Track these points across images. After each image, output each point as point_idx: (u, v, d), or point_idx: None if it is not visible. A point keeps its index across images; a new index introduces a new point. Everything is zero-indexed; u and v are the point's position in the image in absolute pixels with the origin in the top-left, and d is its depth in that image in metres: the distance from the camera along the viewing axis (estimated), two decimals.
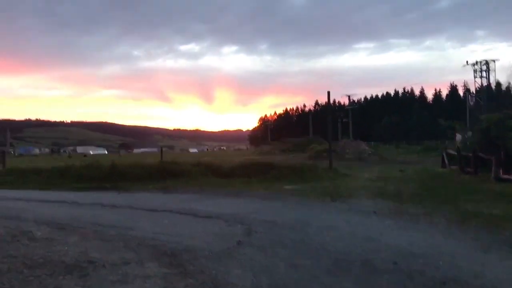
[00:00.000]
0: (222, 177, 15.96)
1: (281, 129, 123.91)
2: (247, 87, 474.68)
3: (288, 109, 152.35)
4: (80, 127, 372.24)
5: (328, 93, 20.32)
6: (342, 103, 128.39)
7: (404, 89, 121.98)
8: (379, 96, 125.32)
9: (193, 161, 18.70)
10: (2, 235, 7.07)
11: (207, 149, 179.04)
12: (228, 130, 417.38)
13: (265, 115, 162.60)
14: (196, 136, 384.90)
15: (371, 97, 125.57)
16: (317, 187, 13.02)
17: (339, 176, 17.00)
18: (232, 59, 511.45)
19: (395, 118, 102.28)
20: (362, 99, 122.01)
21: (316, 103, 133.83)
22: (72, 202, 10.76)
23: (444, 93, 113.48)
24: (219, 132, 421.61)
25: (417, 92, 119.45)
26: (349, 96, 62.23)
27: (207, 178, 15.61)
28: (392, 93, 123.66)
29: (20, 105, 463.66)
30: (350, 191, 11.87)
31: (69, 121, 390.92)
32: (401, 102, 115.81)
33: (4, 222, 8.07)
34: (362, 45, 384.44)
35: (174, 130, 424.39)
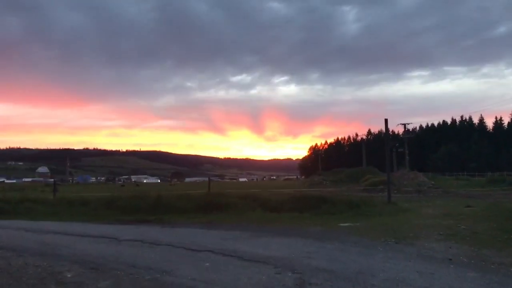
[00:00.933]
0: (271, 211, 14.97)
1: (332, 158, 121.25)
2: (298, 116, 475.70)
3: (340, 138, 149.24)
4: (135, 156, 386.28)
5: (386, 120, 18.99)
6: (396, 132, 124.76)
7: (462, 117, 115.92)
8: (435, 124, 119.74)
9: (240, 193, 17.86)
10: (31, 277, 6.49)
11: (257, 179, 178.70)
12: (278, 159, 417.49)
13: (316, 144, 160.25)
14: (246, 165, 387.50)
15: (427, 125, 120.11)
16: (376, 224, 11.69)
17: (400, 211, 15.47)
18: (282, 89, 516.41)
19: (453, 147, 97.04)
20: (417, 128, 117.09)
21: (369, 132, 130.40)
22: (112, 238, 10.15)
23: (506, 121, 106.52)
24: (269, 161, 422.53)
25: (475, 120, 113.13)
26: (405, 125, 59.58)
27: (254, 212, 14.67)
28: (449, 121, 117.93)
29: (79, 135, 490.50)
30: (415, 231, 10.45)
31: (124, 150, 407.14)
32: (458, 131, 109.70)
33: (36, 260, 7.55)
34: (416, 73, 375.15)
35: (225, 159, 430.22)
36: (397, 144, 79.06)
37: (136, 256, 7.77)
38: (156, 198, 16.28)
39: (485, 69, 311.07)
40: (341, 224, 11.80)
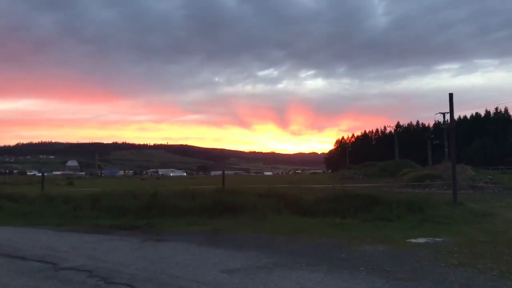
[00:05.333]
0: (302, 214, 10.97)
1: (359, 152, 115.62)
2: (324, 110, 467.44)
3: (367, 131, 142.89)
4: (163, 150, 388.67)
5: (450, 96, 14.60)
6: (426, 125, 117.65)
7: (496, 109, 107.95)
8: (468, 117, 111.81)
9: (260, 190, 13.85)
10: None
11: (282, 173, 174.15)
12: (303, 153, 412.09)
13: (342, 137, 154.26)
14: (271, 159, 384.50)
15: (459, 118, 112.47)
16: (466, 241, 7.54)
17: (477, 216, 11.20)
18: (309, 83, 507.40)
19: (488, 140, 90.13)
20: (448, 121, 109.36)
21: (398, 125, 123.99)
22: (50, 263, 6.41)
23: None
24: (294, 155, 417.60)
25: (511, 112, 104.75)
26: (443, 114, 54.01)
27: (280, 216, 10.70)
28: (482, 113, 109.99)
29: (109, 129, 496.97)
30: None
31: (152, 144, 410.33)
32: (493, 123, 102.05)
33: None
34: (446, 66, 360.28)
35: (250, 152, 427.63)
36: (432, 136, 73.68)
37: None
38: (150, 196, 12.52)
39: None
40: (412, 240, 7.68)
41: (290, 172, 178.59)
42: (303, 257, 6.54)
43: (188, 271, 5.74)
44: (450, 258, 6.17)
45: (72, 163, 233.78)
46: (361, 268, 5.74)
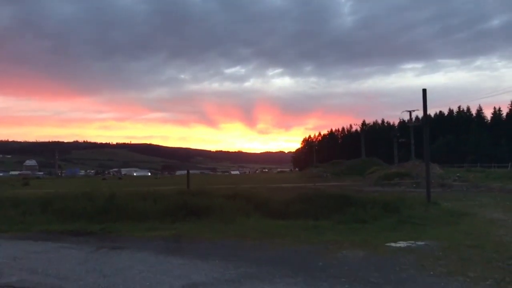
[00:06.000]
0: (273, 216, 10.26)
1: (326, 150, 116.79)
2: (291, 109, 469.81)
3: (333, 130, 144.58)
4: (125, 149, 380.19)
5: (424, 91, 14.30)
6: (391, 123, 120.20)
7: (459, 107, 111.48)
8: (432, 115, 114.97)
9: (228, 191, 13.00)
10: None
11: (249, 172, 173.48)
12: (270, 152, 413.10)
13: (309, 136, 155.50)
14: (238, 158, 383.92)
15: (423, 116, 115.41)
16: (452, 245, 7.03)
17: (455, 216, 10.86)
18: (276, 81, 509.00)
19: (451, 138, 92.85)
20: (413, 119, 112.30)
21: (363, 123, 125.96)
22: None
23: (505, 111, 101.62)
24: (261, 154, 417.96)
25: (473, 111, 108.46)
26: (410, 112, 54.88)
27: (249, 219, 9.93)
28: (445, 112, 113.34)
29: (69, 127, 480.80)
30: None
31: (115, 143, 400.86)
32: (456, 122, 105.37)
33: None
34: (410, 65, 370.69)
35: (216, 151, 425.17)
36: (398, 134, 75.10)
37: None
38: (107, 198, 11.47)
39: (478, 62, 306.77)
40: (393, 245, 7.10)
41: (257, 171, 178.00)
42: (276, 266, 5.82)
43: (153, 283, 4.91)
44: (437, 266, 5.60)
45: (30, 162, 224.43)
46: (342, 279, 5.08)
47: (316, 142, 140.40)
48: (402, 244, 7.08)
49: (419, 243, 7.11)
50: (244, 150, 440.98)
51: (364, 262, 5.97)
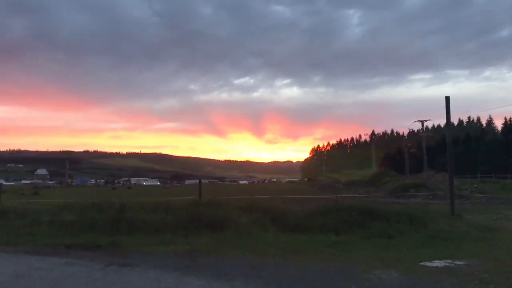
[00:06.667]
0: (292, 230, 9.66)
1: (335, 160, 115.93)
2: (299, 119, 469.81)
3: (342, 139, 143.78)
4: (136, 158, 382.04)
5: (447, 99, 13.70)
6: (401, 134, 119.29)
7: (469, 118, 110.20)
8: (441, 125, 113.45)
9: (242, 202, 12.41)
10: None
11: (258, 181, 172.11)
12: (278, 161, 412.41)
13: (318, 146, 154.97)
14: (246, 168, 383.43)
15: (433, 126, 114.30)
16: (486, 262, 6.42)
17: (484, 230, 10.20)
18: (285, 92, 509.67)
19: (461, 149, 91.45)
20: (423, 130, 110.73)
21: (373, 133, 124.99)
22: None
23: None
24: (269, 163, 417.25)
25: (483, 122, 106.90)
26: (422, 122, 54.06)
27: (267, 234, 9.35)
28: (455, 122, 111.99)
29: (81, 137, 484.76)
30: None
31: (125, 152, 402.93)
32: (466, 132, 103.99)
33: None
34: (418, 76, 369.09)
35: (225, 161, 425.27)
36: (409, 144, 74.20)
37: None
38: (117, 210, 10.96)
39: (487, 72, 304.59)
40: (428, 264, 6.48)
41: (265, 181, 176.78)
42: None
43: None
44: None
45: (41, 171, 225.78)
46: None
47: (325, 151, 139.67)
48: (438, 263, 6.46)
49: (458, 262, 6.49)
50: (252, 160, 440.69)
51: (402, 286, 5.37)
